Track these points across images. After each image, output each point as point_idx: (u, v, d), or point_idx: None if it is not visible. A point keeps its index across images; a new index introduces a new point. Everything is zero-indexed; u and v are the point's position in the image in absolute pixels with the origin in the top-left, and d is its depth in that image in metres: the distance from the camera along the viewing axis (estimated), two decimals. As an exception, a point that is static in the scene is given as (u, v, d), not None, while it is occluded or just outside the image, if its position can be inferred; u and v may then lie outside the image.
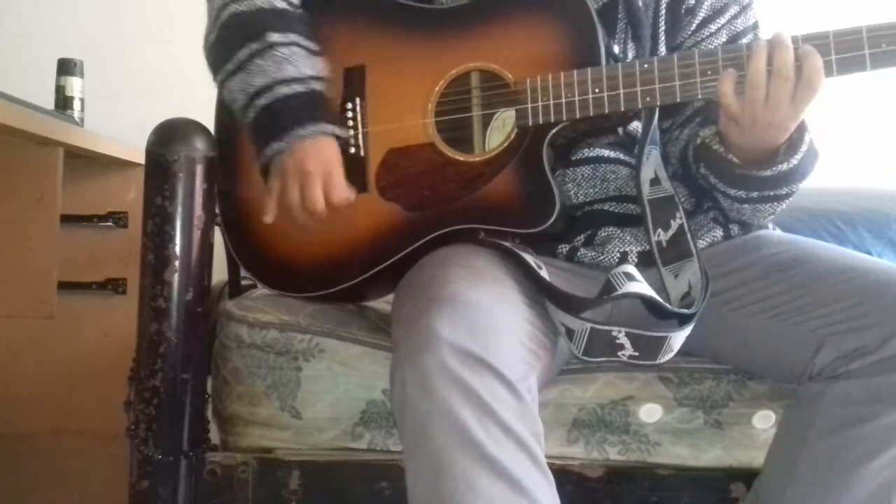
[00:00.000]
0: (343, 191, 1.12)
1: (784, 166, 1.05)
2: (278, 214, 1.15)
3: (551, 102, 1.08)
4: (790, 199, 1.11)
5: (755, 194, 1.10)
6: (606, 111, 1.06)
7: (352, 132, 1.16)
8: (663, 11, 1.19)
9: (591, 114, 1.06)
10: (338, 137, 1.13)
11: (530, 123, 1.09)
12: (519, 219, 1.10)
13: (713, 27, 1.19)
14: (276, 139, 1.11)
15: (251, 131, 1.14)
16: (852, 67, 0.97)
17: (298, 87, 1.11)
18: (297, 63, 1.12)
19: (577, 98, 1.06)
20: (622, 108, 1.05)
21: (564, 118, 1.07)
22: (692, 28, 1.19)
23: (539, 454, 0.88)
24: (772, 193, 1.09)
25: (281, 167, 1.12)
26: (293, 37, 1.13)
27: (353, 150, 1.16)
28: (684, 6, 1.19)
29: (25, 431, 1.83)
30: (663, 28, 1.19)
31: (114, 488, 1.37)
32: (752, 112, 1.00)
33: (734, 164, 1.08)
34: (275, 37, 1.12)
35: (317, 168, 1.10)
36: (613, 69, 1.05)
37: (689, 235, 1.12)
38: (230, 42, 1.14)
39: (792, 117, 1.01)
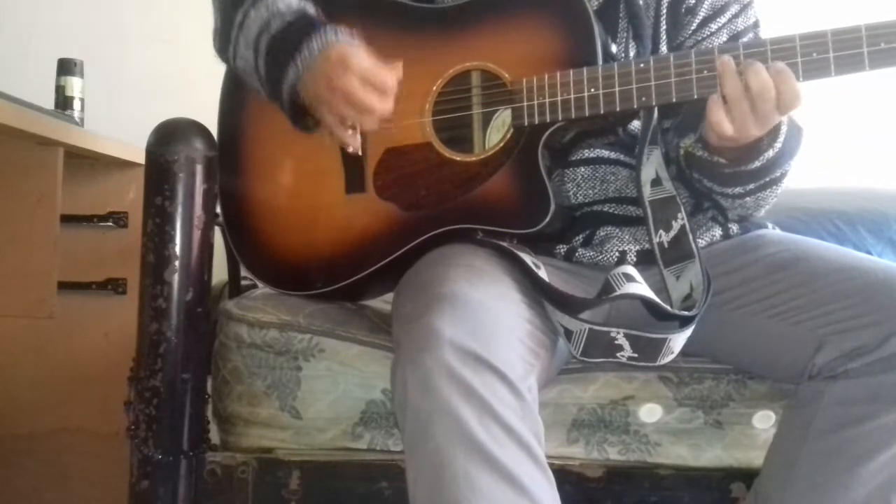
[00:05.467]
0: (387, 76, 1.05)
1: (770, 153, 1.05)
2: (278, 212, 1.15)
3: (547, 101, 1.07)
4: (786, 178, 1.11)
5: (752, 186, 1.10)
6: (602, 110, 1.05)
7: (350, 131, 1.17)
8: (664, 11, 1.19)
9: (587, 113, 1.06)
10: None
11: (526, 123, 1.09)
12: (514, 219, 1.10)
13: (714, 26, 1.19)
14: (287, 71, 1.07)
15: (266, 79, 1.11)
16: (851, 67, 0.97)
17: (290, 17, 1.09)
18: (286, 0, 1.11)
19: (572, 97, 1.06)
20: (618, 108, 1.05)
21: (560, 117, 1.07)
22: (693, 27, 1.19)
23: (539, 453, 0.88)
24: (767, 179, 1.10)
25: (316, 100, 1.08)
26: None
27: (350, 148, 1.16)
28: (684, 5, 1.19)
29: (25, 431, 1.83)
30: (664, 27, 1.19)
31: (114, 488, 1.37)
32: (744, 129, 1.00)
33: (722, 164, 1.08)
34: None
35: (347, 77, 1.04)
36: (609, 68, 1.05)
37: (690, 236, 1.12)
38: (229, 13, 1.15)
39: (779, 120, 1.02)
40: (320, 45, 1.07)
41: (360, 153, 1.12)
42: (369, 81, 1.05)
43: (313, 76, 1.07)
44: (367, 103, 1.05)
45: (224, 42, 1.18)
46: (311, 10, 1.12)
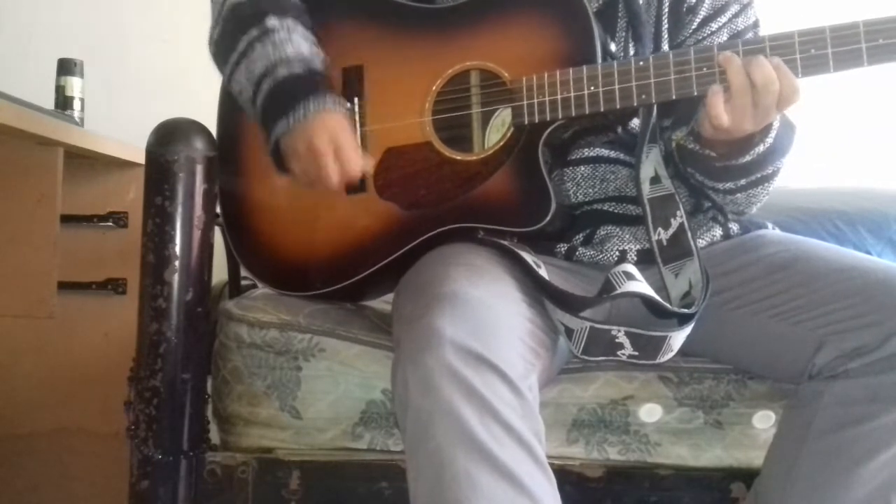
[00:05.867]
0: (356, 162, 1.10)
1: (761, 148, 1.06)
2: (278, 212, 1.15)
3: (546, 100, 1.07)
4: (779, 175, 1.11)
5: (743, 181, 1.10)
6: (602, 108, 1.05)
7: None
8: (666, 10, 1.19)
9: (587, 111, 1.06)
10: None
11: (526, 121, 1.09)
12: (515, 218, 1.10)
13: (714, 26, 1.19)
14: (279, 121, 1.09)
15: (260, 119, 1.13)
16: (849, 63, 0.97)
17: (297, 68, 1.10)
18: (295, 43, 1.11)
19: (572, 95, 1.06)
20: (618, 105, 1.05)
21: (560, 116, 1.07)
22: (693, 26, 1.19)
23: (540, 453, 0.88)
24: (759, 175, 1.10)
25: (292, 150, 1.10)
26: (289, 21, 1.13)
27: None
28: (685, 5, 1.19)
29: (25, 431, 1.83)
30: (666, 27, 1.19)
31: (114, 488, 1.37)
32: (740, 122, 1.00)
33: (713, 158, 1.09)
34: (272, 20, 1.12)
35: (325, 144, 1.08)
36: (609, 66, 1.05)
37: (689, 234, 1.12)
38: (233, 33, 1.14)
39: (775, 117, 1.02)
40: (316, 107, 1.08)
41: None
42: (341, 156, 1.08)
43: (299, 132, 1.09)
44: (327, 179, 1.09)
45: (222, 58, 1.17)
46: (317, 63, 1.12)
